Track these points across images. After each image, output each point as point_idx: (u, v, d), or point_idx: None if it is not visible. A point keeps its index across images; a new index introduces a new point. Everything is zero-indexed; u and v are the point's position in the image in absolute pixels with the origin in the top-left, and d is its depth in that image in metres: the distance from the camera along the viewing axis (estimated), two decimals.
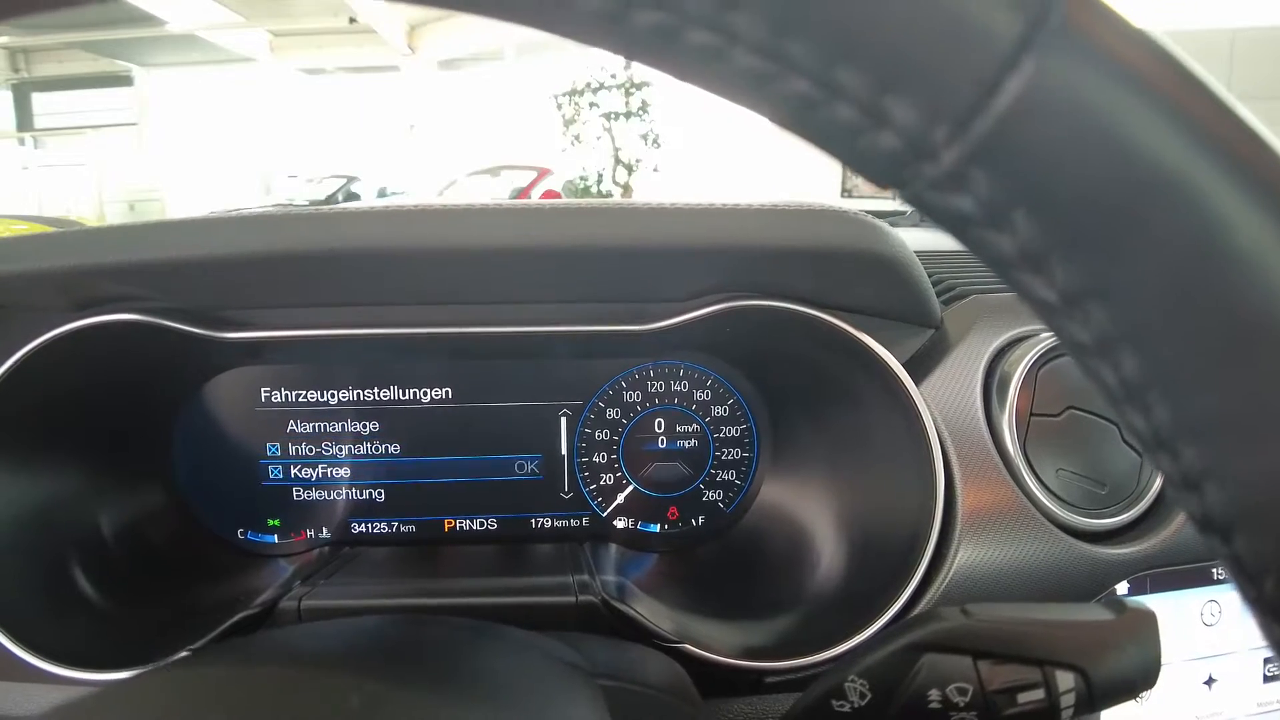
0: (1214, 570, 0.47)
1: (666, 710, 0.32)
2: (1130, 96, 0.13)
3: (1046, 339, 0.48)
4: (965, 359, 0.48)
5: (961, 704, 0.27)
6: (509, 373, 0.57)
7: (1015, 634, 0.27)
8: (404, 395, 0.57)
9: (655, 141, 8.75)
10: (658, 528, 0.59)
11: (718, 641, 0.43)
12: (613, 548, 0.57)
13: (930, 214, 0.16)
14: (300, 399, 0.57)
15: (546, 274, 0.46)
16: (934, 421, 0.45)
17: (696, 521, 0.59)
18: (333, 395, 0.57)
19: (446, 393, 0.57)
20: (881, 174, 0.16)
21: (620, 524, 0.59)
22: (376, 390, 0.57)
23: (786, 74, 0.14)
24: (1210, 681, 0.49)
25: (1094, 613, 0.28)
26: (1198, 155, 0.13)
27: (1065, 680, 0.27)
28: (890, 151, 0.15)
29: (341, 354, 0.56)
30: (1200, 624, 0.48)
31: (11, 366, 0.44)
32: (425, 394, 0.57)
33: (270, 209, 0.43)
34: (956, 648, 0.27)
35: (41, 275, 0.43)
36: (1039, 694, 0.27)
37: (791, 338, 0.50)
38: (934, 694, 0.27)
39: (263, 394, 0.56)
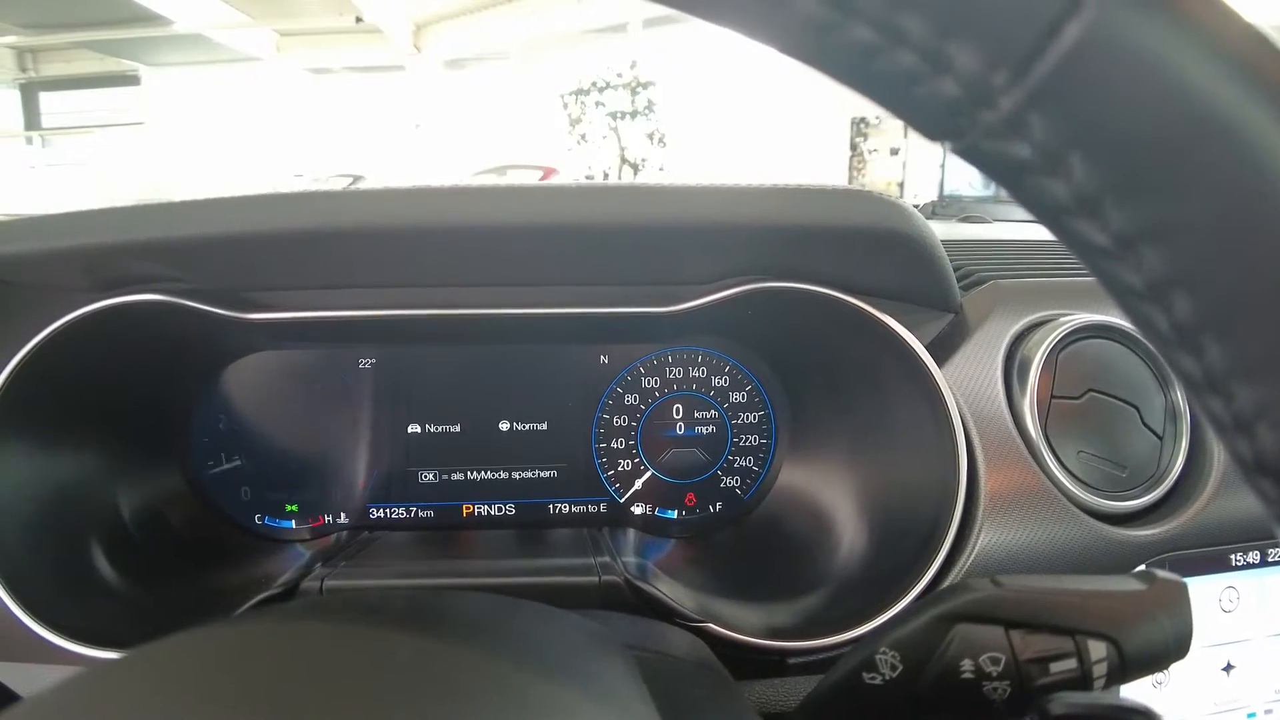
0: (1232, 556, 0.47)
1: (697, 679, 0.32)
2: (1187, 39, 0.13)
3: (1067, 322, 0.48)
4: (985, 343, 0.48)
5: (994, 673, 0.27)
6: (529, 359, 0.57)
7: (1047, 604, 0.27)
8: (423, 382, 0.57)
9: (661, 141, 8.76)
10: (675, 514, 0.59)
11: (741, 621, 0.43)
12: (631, 532, 0.57)
13: (984, 165, 0.16)
14: (319, 385, 0.57)
15: (574, 254, 0.46)
16: (956, 404, 0.45)
17: (714, 508, 0.59)
18: (351, 381, 0.57)
19: (466, 378, 0.57)
20: (937, 125, 0.16)
21: (638, 510, 0.59)
22: (395, 377, 0.57)
23: (850, 21, 0.14)
24: (1229, 668, 0.48)
25: (1125, 583, 0.28)
26: (1254, 96, 0.13)
27: (1098, 650, 0.27)
28: (948, 99, 0.15)
29: (360, 338, 0.56)
30: (1219, 610, 0.48)
31: (34, 348, 0.44)
32: (444, 380, 0.57)
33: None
34: (988, 618, 0.27)
35: (66, 253, 0.43)
36: (1071, 663, 0.27)
37: (814, 320, 0.50)
38: (967, 664, 0.27)
39: (281, 380, 0.57)
